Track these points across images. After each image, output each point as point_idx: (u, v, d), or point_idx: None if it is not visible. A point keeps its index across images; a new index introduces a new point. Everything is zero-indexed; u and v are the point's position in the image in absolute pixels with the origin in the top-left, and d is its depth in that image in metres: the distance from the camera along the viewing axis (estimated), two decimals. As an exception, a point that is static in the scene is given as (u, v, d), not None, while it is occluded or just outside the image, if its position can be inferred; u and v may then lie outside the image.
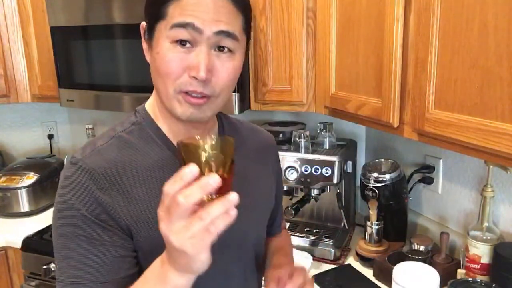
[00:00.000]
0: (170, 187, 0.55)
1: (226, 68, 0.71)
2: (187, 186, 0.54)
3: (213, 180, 0.54)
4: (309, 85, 1.49)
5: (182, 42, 0.68)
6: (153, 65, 0.73)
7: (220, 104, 0.75)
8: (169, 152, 0.78)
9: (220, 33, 0.68)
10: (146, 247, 0.73)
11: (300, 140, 1.55)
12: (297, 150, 1.55)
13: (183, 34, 0.67)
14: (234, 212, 0.55)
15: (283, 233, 1.08)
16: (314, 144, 1.60)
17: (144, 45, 0.76)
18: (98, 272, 0.69)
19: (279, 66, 1.51)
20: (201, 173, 0.55)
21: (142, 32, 0.76)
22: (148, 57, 0.75)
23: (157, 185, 0.74)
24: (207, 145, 0.57)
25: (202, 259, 0.57)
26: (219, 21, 0.68)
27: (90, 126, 2.13)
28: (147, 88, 1.71)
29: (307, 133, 1.56)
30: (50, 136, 2.44)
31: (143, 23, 0.75)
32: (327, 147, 1.59)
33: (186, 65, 0.68)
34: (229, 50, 0.71)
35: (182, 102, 0.71)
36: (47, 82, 1.95)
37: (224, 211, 0.54)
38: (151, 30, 0.72)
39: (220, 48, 0.70)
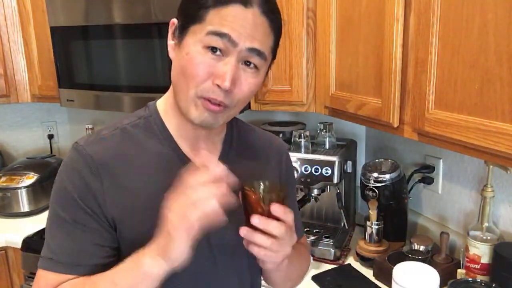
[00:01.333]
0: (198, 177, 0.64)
1: (249, 83, 0.72)
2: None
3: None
4: (309, 85, 1.49)
5: (213, 49, 0.69)
6: (178, 64, 0.73)
7: (233, 114, 0.78)
8: (169, 149, 0.79)
9: (252, 50, 0.70)
10: (129, 238, 0.75)
11: (300, 140, 1.55)
12: (297, 150, 1.55)
13: (217, 42, 0.68)
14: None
15: (300, 241, 1.01)
16: (314, 144, 1.60)
17: (171, 42, 0.76)
18: (74, 255, 0.73)
19: (279, 66, 1.51)
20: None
21: (171, 28, 0.76)
22: (172, 55, 0.76)
23: (150, 178, 0.76)
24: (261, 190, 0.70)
25: (180, 245, 0.63)
26: (254, 38, 0.70)
27: (90, 126, 2.13)
28: (147, 88, 1.72)
29: (307, 133, 1.56)
30: (50, 136, 2.43)
31: (174, 20, 0.76)
32: (327, 147, 1.59)
33: (212, 72, 0.70)
34: (255, 67, 0.72)
35: (199, 106, 0.72)
36: (47, 82, 1.95)
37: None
38: (183, 29, 0.72)
39: (247, 63, 0.72)
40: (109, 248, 0.75)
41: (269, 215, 0.67)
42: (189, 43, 0.71)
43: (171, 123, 0.80)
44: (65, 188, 0.74)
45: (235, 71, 0.70)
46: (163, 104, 0.82)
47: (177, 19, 0.75)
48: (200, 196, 0.62)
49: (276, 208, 0.67)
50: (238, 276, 0.85)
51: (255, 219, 0.65)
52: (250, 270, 0.87)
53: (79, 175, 0.73)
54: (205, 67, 0.69)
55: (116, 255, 0.77)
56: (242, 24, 0.68)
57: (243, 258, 0.84)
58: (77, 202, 0.72)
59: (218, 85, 0.69)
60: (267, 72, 0.78)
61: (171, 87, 0.80)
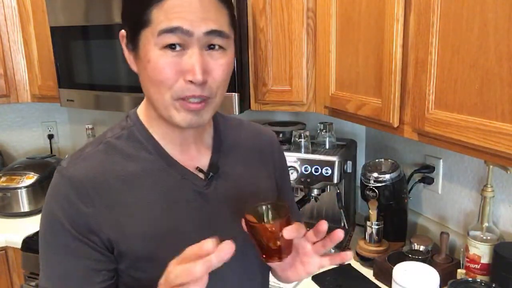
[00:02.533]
0: (206, 244, 0.56)
1: (220, 65, 0.68)
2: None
3: (225, 251, 0.55)
4: (309, 85, 1.49)
5: (172, 46, 0.65)
6: (143, 74, 0.69)
7: (218, 104, 0.73)
8: (157, 156, 0.76)
9: (211, 33, 0.66)
10: (128, 255, 0.72)
11: (300, 140, 1.55)
12: (297, 150, 1.55)
13: (172, 38, 0.64)
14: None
15: None
16: (314, 144, 1.60)
17: (128, 55, 0.72)
18: (71, 283, 0.71)
19: (279, 66, 1.51)
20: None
21: (123, 41, 0.72)
22: (134, 67, 0.72)
23: (143, 192, 0.73)
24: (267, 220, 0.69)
25: None
26: (208, 20, 0.65)
27: (90, 126, 2.13)
28: (147, 88, 1.71)
29: (307, 133, 1.57)
30: (50, 136, 2.44)
31: (123, 32, 0.71)
32: (327, 147, 1.59)
33: (180, 69, 0.66)
34: (221, 47, 0.68)
35: (179, 109, 0.68)
36: (47, 82, 1.95)
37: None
38: (134, 38, 0.68)
39: (211, 46, 0.67)
40: (106, 271, 0.72)
41: (281, 236, 0.65)
42: (146, 50, 0.67)
43: (157, 131, 0.76)
44: (54, 215, 0.71)
45: (202, 61, 0.66)
46: (143, 111, 0.78)
47: (125, 30, 0.71)
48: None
49: (289, 232, 0.63)
50: (249, 277, 0.84)
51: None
52: (260, 270, 0.86)
53: (67, 201, 0.69)
54: (170, 67, 0.65)
55: (115, 276, 0.74)
56: (189, 11, 0.64)
57: (253, 258, 0.83)
58: (68, 229, 0.69)
59: (190, 81, 0.65)
60: (236, 49, 0.74)
61: (146, 99, 0.76)
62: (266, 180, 0.90)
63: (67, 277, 0.71)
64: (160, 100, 0.69)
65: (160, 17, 0.64)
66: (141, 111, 0.79)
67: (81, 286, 0.71)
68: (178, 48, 0.65)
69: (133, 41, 0.69)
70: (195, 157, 0.80)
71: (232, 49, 0.72)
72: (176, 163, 0.77)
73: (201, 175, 0.79)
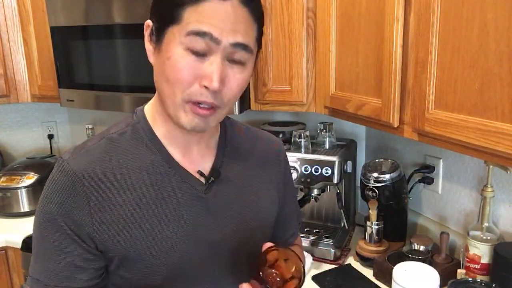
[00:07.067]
0: None
1: (237, 79, 0.69)
2: None
3: None
4: (309, 85, 1.49)
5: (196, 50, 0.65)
6: (160, 69, 0.69)
7: (224, 114, 0.74)
8: (159, 157, 0.75)
9: (237, 45, 0.66)
10: (118, 255, 0.72)
11: (300, 140, 1.55)
12: (297, 150, 1.55)
13: (198, 42, 0.64)
14: None
15: (295, 243, 1.02)
16: (314, 144, 1.60)
17: (148, 46, 0.71)
18: (56, 276, 0.71)
19: (279, 66, 1.51)
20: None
21: (147, 31, 0.71)
22: (152, 59, 0.71)
23: (141, 189, 0.73)
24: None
25: None
26: (237, 32, 0.65)
27: (90, 126, 2.14)
28: (147, 88, 1.72)
29: (307, 133, 1.56)
30: (50, 136, 2.44)
31: (149, 22, 0.71)
32: (327, 147, 1.59)
33: (198, 73, 0.66)
34: (241, 62, 0.69)
35: (188, 112, 0.68)
36: (47, 82, 1.95)
37: None
38: (160, 32, 0.68)
39: (233, 58, 0.68)
40: (93, 270, 0.72)
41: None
42: (170, 46, 0.66)
43: (160, 129, 0.76)
44: (48, 208, 0.71)
45: (222, 70, 0.66)
46: (151, 109, 0.77)
47: (152, 20, 0.70)
48: None
49: None
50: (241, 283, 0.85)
51: None
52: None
53: (63, 196, 0.70)
54: (189, 70, 0.65)
55: (103, 275, 0.74)
56: (222, 19, 0.64)
57: (246, 267, 0.82)
58: (60, 224, 0.69)
59: (206, 87, 0.65)
60: (255, 64, 0.74)
61: (156, 94, 0.75)
62: (268, 190, 0.88)
63: (55, 271, 0.71)
64: (171, 98, 0.68)
65: (191, 18, 0.64)
66: (149, 107, 0.79)
67: (65, 281, 0.71)
68: (201, 53, 0.65)
69: (158, 34, 0.68)
70: (197, 161, 0.79)
71: (251, 65, 0.72)
72: (177, 164, 0.76)
73: (202, 179, 0.78)
